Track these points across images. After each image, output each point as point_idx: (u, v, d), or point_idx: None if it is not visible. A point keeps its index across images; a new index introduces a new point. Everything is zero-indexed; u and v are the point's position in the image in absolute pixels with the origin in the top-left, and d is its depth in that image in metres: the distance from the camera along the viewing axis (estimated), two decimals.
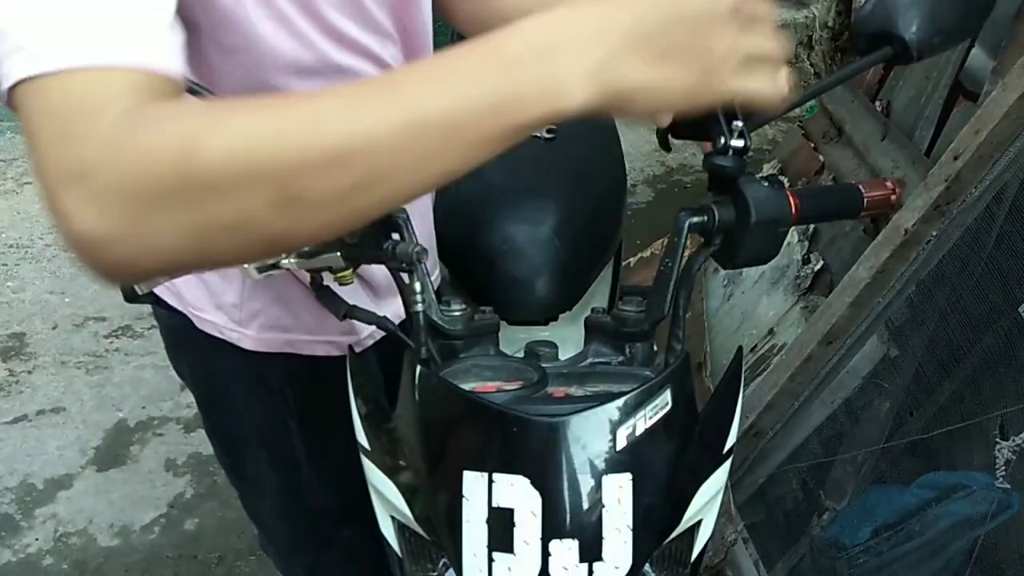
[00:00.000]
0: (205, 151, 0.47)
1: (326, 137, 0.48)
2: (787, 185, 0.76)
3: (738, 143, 0.69)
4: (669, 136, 0.78)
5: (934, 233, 1.31)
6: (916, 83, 1.68)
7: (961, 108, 1.53)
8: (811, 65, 3.78)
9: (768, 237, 0.73)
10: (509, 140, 0.51)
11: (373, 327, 0.88)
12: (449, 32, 1.04)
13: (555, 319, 1.14)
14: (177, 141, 0.47)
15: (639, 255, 2.42)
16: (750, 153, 0.70)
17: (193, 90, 0.59)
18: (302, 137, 0.48)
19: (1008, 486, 1.20)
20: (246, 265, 0.73)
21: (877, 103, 1.79)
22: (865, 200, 0.80)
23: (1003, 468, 1.19)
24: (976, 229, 1.31)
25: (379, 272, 0.90)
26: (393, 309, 0.84)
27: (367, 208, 0.51)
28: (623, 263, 1.68)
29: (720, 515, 0.76)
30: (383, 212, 0.54)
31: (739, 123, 0.68)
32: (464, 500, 0.63)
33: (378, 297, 0.94)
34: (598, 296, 1.30)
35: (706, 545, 0.73)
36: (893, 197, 0.80)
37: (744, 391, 1.56)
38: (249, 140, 0.48)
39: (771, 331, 1.75)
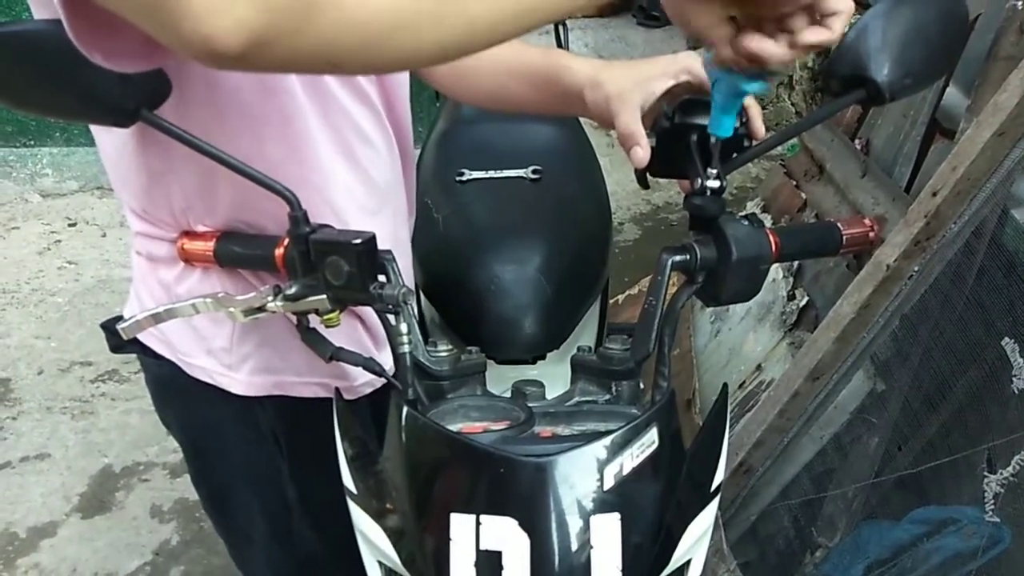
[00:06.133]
0: None
1: None
2: (769, 223, 0.77)
3: (714, 184, 0.70)
4: (647, 174, 0.79)
5: (916, 268, 1.32)
6: (894, 122, 1.72)
7: (938, 146, 1.56)
8: (792, 105, 3.86)
9: (749, 274, 0.74)
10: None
11: (369, 375, 0.88)
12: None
13: (543, 358, 1.14)
14: None
15: (626, 292, 2.43)
16: (734, 191, 0.71)
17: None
18: None
19: (998, 520, 1.20)
20: (232, 309, 0.73)
21: (857, 141, 1.82)
22: (844, 237, 0.81)
23: (992, 502, 1.19)
24: (957, 264, 1.32)
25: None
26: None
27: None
28: (610, 301, 1.69)
29: (712, 554, 0.76)
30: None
31: (713, 169, 0.70)
32: (451, 543, 0.63)
33: (379, 345, 0.95)
34: (585, 334, 1.30)
35: None
36: (871, 234, 0.82)
37: (732, 428, 1.57)
38: None
39: (759, 367, 1.75)
